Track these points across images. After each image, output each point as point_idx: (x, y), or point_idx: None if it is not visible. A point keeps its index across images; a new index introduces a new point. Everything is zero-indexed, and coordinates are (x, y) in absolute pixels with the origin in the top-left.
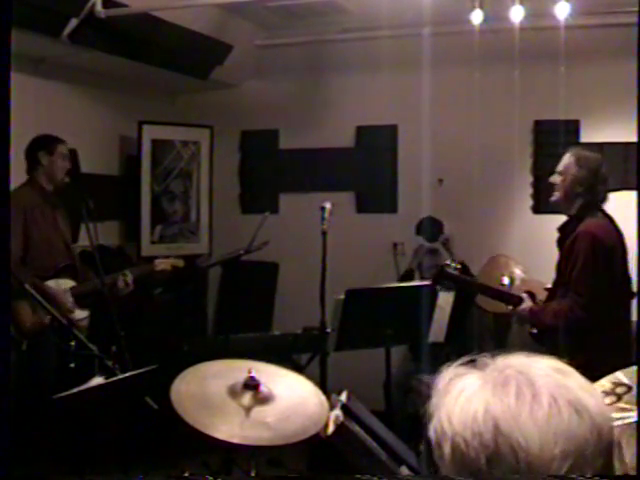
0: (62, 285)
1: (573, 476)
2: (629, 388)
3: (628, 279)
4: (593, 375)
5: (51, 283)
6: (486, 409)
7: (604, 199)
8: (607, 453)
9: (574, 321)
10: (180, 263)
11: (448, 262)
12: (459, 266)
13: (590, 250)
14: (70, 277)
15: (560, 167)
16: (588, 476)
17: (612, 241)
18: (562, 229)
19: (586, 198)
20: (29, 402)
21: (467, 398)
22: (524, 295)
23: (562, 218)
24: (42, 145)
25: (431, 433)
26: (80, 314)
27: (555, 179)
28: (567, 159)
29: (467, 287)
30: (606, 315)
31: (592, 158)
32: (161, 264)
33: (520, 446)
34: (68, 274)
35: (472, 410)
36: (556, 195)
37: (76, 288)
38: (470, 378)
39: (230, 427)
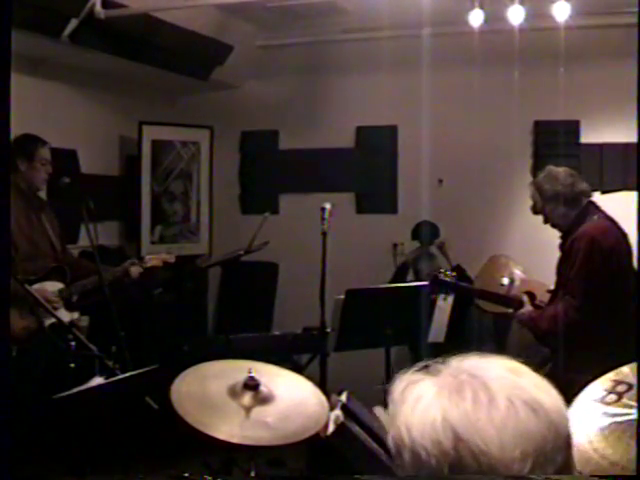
0: (49, 288)
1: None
2: (630, 387)
3: (632, 281)
4: (592, 375)
5: (37, 287)
6: (444, 417)
7: (588, 196)
8: (566, 448)
9: (568, 324)
10: (171, 259)
11: (442, 270)
12: (454, 273)
13: (587, 252)
14: (58, 280)
15: (531, 199)
16: (549, 474)
17: (611, 243)
18: (564, 235)
19: (571, 208)
20: (24, 405)
21: (424, 406)
22: (524, 298)
23: None
24: (21, 150)
25: (390, 442)
26: (69, 315)
27: (535, 211)
28: (531, 192)
29: (465, 293)
30: (605, 317)
31: (552, 173)
32: (151, 260)
33: (481, 451)
34: (56, 277)
35: (430, 418)
36: (545, 220)
37: (76, 285)
38: (425, 385)
39: (230, 427)
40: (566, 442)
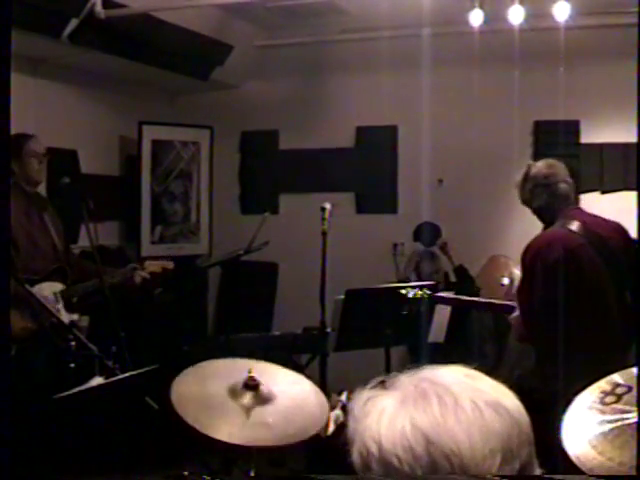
0: (49, 289)
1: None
2: (629, 389)
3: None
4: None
5: (37, 287)
6: (412, 423)
7: (565, 200)
8: (528, 443)
9: (520, 337)
10: (170, 265)
11: (403, 291)
12: (428, 291)
13: (530, 265)
14: (60, 280)
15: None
16: (516, 469)
17: (557, 256)
18: None
19: (544, 209)
20: (23, 405)
21: (390, 416)
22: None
23: None
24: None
25: (355, 458)
26: (68, 316)
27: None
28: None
29: (453, 305)
30: (554, 332)
31: (531, 172)
32: (150, 266)
33: (452, 452)
34: (57, 277)
35: (399, 427)
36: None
37: (75, 288)
38: (386, 399)
39: (230, 427)
40: (529, 438)
